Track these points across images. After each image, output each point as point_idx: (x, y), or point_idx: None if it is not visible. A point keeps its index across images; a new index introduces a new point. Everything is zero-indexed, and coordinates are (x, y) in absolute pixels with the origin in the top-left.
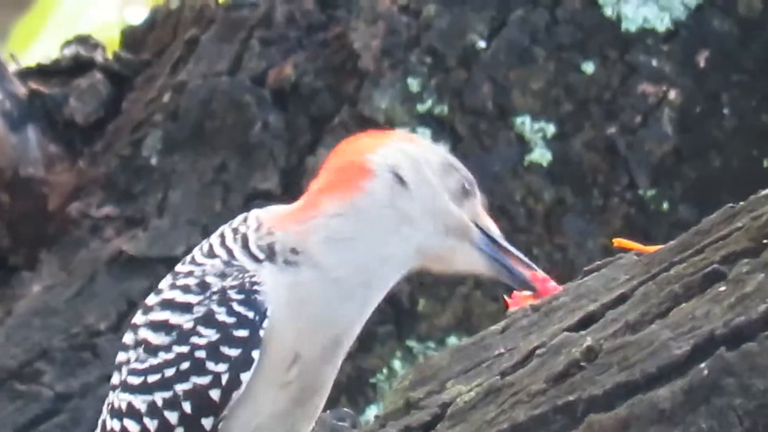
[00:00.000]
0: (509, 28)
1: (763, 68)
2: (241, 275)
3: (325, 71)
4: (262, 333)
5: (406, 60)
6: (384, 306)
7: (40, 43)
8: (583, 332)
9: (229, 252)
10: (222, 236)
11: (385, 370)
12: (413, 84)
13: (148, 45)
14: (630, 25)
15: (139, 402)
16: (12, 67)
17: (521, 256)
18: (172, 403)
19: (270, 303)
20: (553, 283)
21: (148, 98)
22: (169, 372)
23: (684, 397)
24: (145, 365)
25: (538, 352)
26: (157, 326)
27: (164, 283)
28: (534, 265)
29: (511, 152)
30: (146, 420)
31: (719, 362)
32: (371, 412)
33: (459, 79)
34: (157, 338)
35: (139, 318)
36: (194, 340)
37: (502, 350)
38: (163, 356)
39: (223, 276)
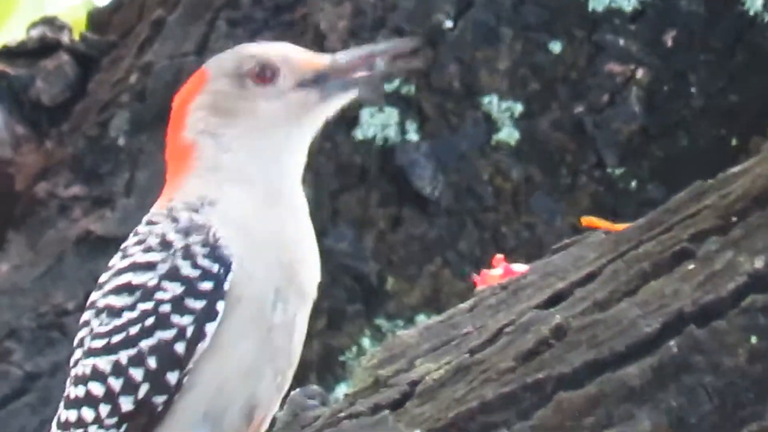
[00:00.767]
0: (476, 8)
1: (730, 48)
2: (204, 230)
3: None
4: (227, 286)
5: (373, 40)
6: (353, 284)
7: (8, 26)
8: (551, 310)
9: (162, 230)
10: (142, 233)
11: (354, 348)
12: None
13: (114, 26)
14: (597, 5)
15: (104, 363)
16: None
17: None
18: (137, 360)
19: (233, 256)
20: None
21: (114, 79)
22: (134, 330)
23: (653, 374)
24: (109, 327)
25: (506, 330)
26: (120, 289)
27: (115, 260)
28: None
29: (478, 132)
30: (111, 380)
31: (688, 340)
32: (341, 390)
33: (426, 59)
34: (120, 300)
35: (95, 295)
36: (158, 295)
37: (471, 328)
38: (127, 315)
39: (186, 233)
